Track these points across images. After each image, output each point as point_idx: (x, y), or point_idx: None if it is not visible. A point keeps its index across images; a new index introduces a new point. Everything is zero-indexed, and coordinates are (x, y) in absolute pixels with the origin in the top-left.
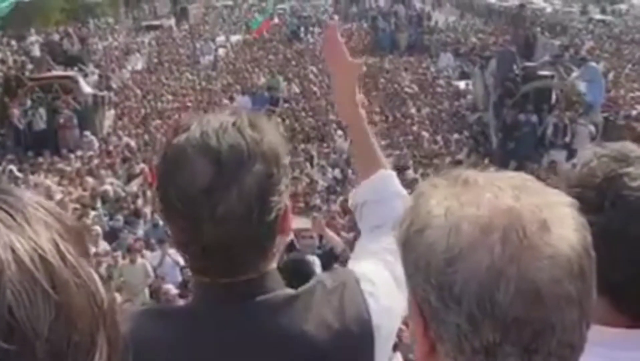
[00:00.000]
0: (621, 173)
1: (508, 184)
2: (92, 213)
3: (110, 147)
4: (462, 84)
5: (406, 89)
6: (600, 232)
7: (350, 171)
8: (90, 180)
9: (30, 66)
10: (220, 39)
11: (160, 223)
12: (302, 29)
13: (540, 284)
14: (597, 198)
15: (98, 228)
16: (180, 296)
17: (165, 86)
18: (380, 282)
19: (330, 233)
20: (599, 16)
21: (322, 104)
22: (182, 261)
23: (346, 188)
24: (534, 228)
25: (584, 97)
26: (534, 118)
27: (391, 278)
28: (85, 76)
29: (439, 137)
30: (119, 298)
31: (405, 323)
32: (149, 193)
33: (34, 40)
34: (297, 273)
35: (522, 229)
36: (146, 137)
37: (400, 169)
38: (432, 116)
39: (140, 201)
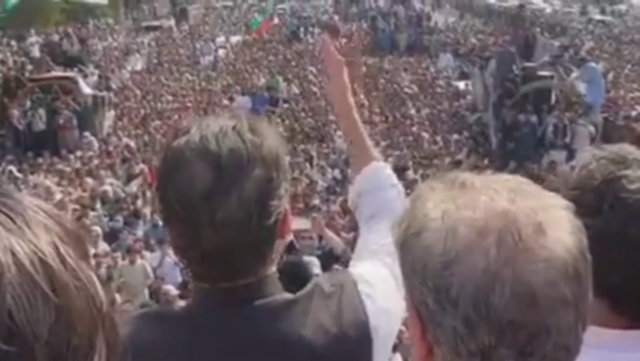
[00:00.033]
0: (620, 175)
1: (504, 187)
2: (92, 214)
3: (110, 148)
4: (461, 85)
5: (406, 90)
6: (598, 234)
7: (350, 172)
8: (89, 181)
9: (30, 67)
10: (220, 39)
11: (160, 223)
12: (302, 29)
13: (536, 287)
14: (595, 201)
15: (98, 229)
16: (180, 296)
17: (165, 87)
18: (378, 283)
19: (329, 233)
20: (598, 17)
21: (322, 104)
22: None
23: (346, 188)
24: (529, 231)
25: (583, 98)
26: (534, 118)
27: (391, 277)
28: (85, 76)
29: (438, 138)
30: (118, 298)
31: (405, 324)
32: (148, 194)
33: (34, 41)
34: (294, 276)
35: (517, 232)
36: (146, 137)
37: (400, 170)
38: (431, 116)
39: (139, 202)
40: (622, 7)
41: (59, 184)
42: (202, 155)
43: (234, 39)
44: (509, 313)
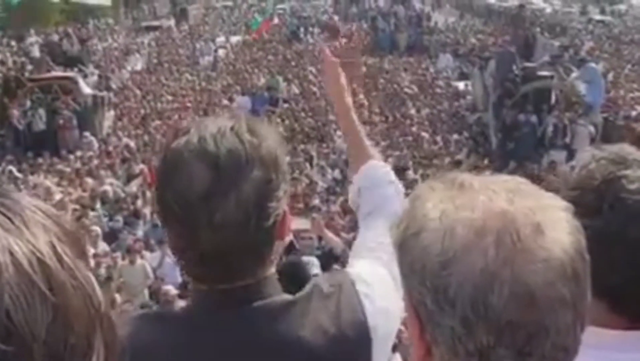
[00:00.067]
0: (619, 176)
1: (502, 188)
2: (92, 214)
3: (110, 148)
4: (461, 85)
5: (406, 90)
6: (598, 234)
7: (349, 172)
8: (89, 181)
9: (29, 67)
10: (220, 39)
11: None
12: (302, 29)
13: (534, 287)
14: (595, 201)
15: (97, 229)
16: (180, 297)
17: (165, 87)
18: (376, 283)
19: (329, 233)
20: (598, 17)
21: (322, 104)
22: None
23: (346, 188)
24: (527, 231)
25: (583, 98)
26: (534, 118)
27: (389, 276)
28: (85, 76)
29: (438, 138)
30: (118, 299)
31: (404, 323)
32: (148, 194)
33: (34, 41)
34: (293, 276)
35: (515, 233)
36: (146, 137)
37: (400, 170)
38: (431, 116)
39: (139, 202)
40: (622, 7)
41: (58, 184)
42: (201, 156)
43: (234, 39)
44: (508, 313)
